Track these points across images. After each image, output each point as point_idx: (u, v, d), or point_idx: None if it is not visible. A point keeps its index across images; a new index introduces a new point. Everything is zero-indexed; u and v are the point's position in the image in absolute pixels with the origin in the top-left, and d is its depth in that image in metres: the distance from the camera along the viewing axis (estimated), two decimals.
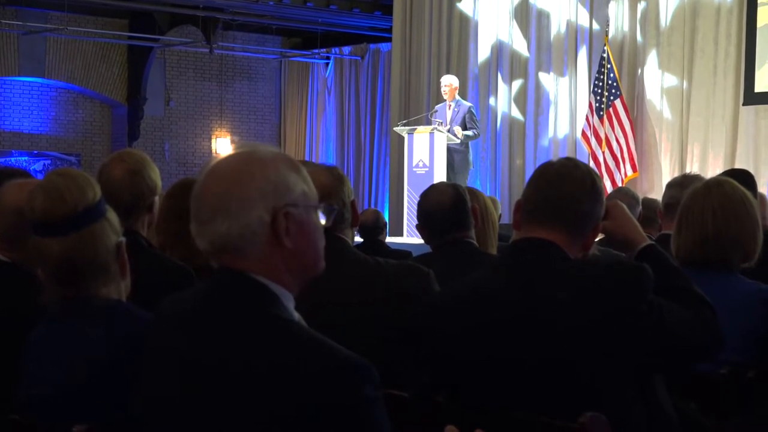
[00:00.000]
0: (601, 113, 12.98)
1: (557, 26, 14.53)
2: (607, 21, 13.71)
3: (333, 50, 19.96)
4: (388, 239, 10.46)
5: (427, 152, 12.87)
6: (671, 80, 13.30)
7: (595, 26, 14.10)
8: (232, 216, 2.08)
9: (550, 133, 14.56)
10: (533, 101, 14.79)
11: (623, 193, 6.38)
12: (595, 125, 13.04)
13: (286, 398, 1.95)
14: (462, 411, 2.76)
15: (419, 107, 15.36)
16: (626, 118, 12.93)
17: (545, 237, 2.82)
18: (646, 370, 2.76)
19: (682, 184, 4.95)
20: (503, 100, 15.10)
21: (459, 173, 12.87)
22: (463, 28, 15.49)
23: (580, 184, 2.86)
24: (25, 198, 2.74)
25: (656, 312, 2.72)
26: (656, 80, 13.41)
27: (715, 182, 3.63)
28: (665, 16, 13.35)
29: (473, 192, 4.66)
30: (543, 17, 14.69)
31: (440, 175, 12.52)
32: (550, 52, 14.60)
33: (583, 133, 13.30)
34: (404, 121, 14.14)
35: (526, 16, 14.86)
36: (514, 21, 14.95)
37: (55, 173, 2.76)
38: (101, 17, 18.35)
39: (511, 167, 15.02)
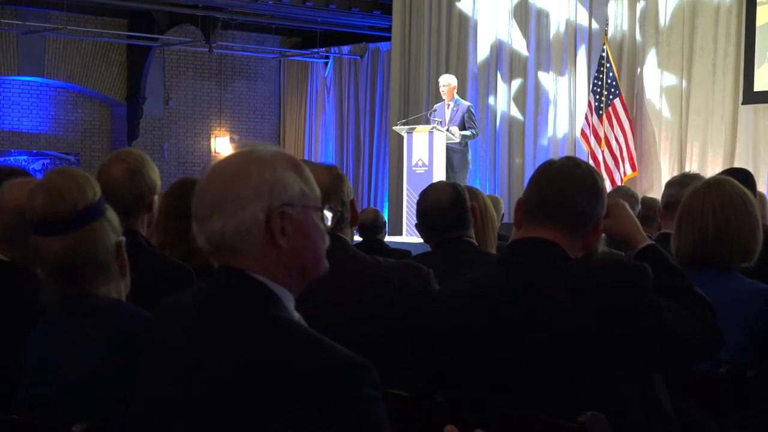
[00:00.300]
0: (601, 112, 12.98)
1: (556, 25, 14.53)
2: (607, 20, 13.71)
3: (332, 49, 19.95)
4: (388, 238, 10.46)
5: (426, 151, 12.87)
6: (670, 79, 13.30)
7: (595, 25, 14.10)
8: (227, 214, 2.09)
9: (550, 133, 14.56)
10: (533, 100, 14.79)
11: (623, 193, 6.38)
12: (595, 124, 13.04)
13: (285, 397, 1.95)
14: (461, 410, 2.77)
15: (418, 106, 15.36)
16: (625, 117, 12.93)
17: (545, 236, 2.82)
18: (645, 369, 2.77)
19: (681, 183, 4.95)
20: (503, 100, 15.10)
21: (458, 172, 12.87)
22: (463, 28, 15.49)
23: (581, 183, 2.86)
24: (25, 197, 2.74)
25: (656, 311, 2.72)
26: (655, 79, 13.41)
27: (715, 181, 3.63)
28: (664, 15, 13.35)
29: (472, 191, 4.66)
30: (542, 16, 14.69)
31: (439, 175, 12.52)
32: (549, 52, 14.60)
33: (583, 133, 13.30)
34: (403, 121, 14.15)
35: (525, 16, 14.86)
36: (514, 20, 14.95)
37: (55, 172, 2.76)
38: (100, 17, 18.35)
39: (510, 166, 15.02)
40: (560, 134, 14.46)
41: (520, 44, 14.96)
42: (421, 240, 4.56)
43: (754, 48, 12.36)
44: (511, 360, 2.73)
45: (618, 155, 12.91)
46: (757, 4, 12.36)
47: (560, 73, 14.48)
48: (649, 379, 2.79)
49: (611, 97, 12.93)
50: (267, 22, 18.70)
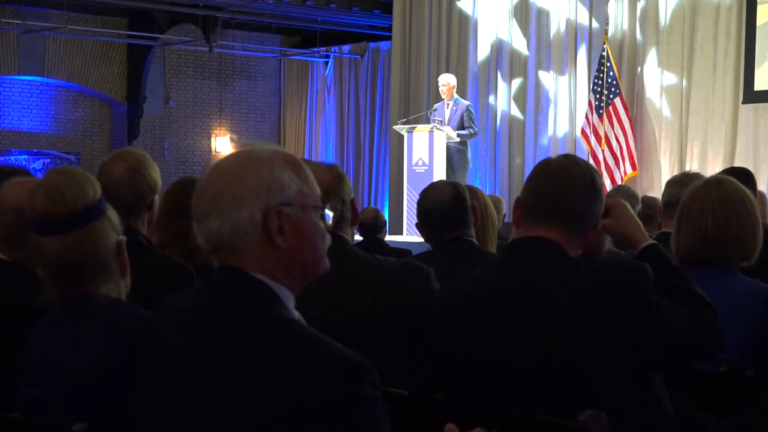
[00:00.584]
0: (601, 112, 12.98)
1: (557, 25, 14.52)
2: (607, 19, 13.71)
3: (332, 49, 19.95)
4: (388, 238, 10.46)
5: (426, 151, 12.88)
6: (671, 78, 13.30)
7: (595, 25, 14.10)
8: (224, 214, 2.09)
9: (550, 132, 14.57)
10: (533, 100, 14.79)
11: (623, 192, 6.38)
12: (595, 124, 13.04)
13: (285, 397, 1.95)
14: (461, 409, 2.77)
15: (419, 106, 15.36)
16: (626, 116, 12.93)
17: (545, 235, 2.82)
18: (645, 369, 2.76)
19: (682, 182, 4.95)
20: (503, 99, 15.10)
21: (457, 172, 12.88)
22: (463, 27, 15.49)
23: (579, 181, 2.86)
24: (25, 197, 2.74)
25: (655, 311, 2.72)
26: (656, 78, 13.41)
27: (715, 181, 3.63)
28: (665, 15, 13.35)
29: (473, 190, 4.66)
30: (542, 16, 14.68)
31: (440, 174, 12.53)
32: (549, 51, 14.61)
33: (583, 132, 13.30)
34: (404, 120, 14.15)
35: (525, 15, 14.86)
36: (514, 19, 14.95)
37: (55, 172, 2.76)
38: (101, 16, 18.35)
39: (510, 166, 15.03)
40: (560, 133, 14.46)
41: (520, 43, 14.96)
42: (421, 239, 4.56)
43: (755, 47, 12.36)
44: (511, 359, 2.73)
45: (618, 154, 12.91)
46: (758, 4, 12.35)
47: (560, 73, 14.48)
48: (649, 378, 2.80)
49: (611, 96, 12.93)
50: (267, 21, 18.70)
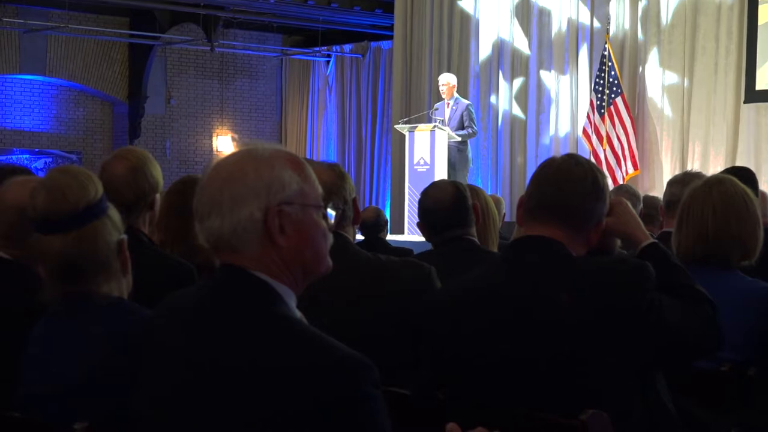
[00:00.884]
0: (602, 111, 12.98)
1: (558, 24, 14.52)
2: (608, 19, 13.71)
3: (334, 48, 19.95)
4: (389, 237, 10.46)
5: (428, 150, 12.88)
6: (672, 78, 13.30)
7: (596, 24, 14.10)
8: (224, 213, 2.09)
9: (551, 131, 14.57)
10: (534, 99, 14.79)
11: (624, 191, 6.38)
12: (596, 123, 13.04)
13: (286, 396, 1.95)
14: (463, 408, 2.77)
15: (420, 105, 15.36)
16: (627, 115, 12.93)
17: (547, 234, 2.82)
18: (647, 367, 2.77)
19: (683, 181, 4.95)
20: (504, 98, 15.10)
21: (458, 171, 12.88)
22: (464, 26, 15.49)
23: (582, 181, 2.86)
24: (27, 195, 2.74)
25: (656, 310, 2.72)
26: (657, 78, 13.41)
27: (716, 180, 3.63)
28: (666, 14, 13.34)
29: (474, 189, 4.66)
30: (544, 15, 14.68)
31: (441, 173, 12.53)
32: (551, 50, 14.61)
33: (584, 131, 13.30)
34: (405, 119, 14.15)
35: (527, 14, 14.86)
36: (515, 19, 14.95)
37: (56, 171, 2.77)
38: (102, 15, 18.36)
39: (512, 165, 15.03)
40: (562, 133, 14.46)
41: (521, 43, 14.96)
42: (422, 238, 4.56)
43: (756, 47, 12.36)
44: (513, 358, 2.73)
45: (620, 154, 12.91)
46: (759, 3, 12.36)
47: (562, 72, 14.48)
48: (651, 377, 2.80)
49: (613, 95, 12.93)
50: (269, 20, 18.71)
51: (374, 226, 9.03)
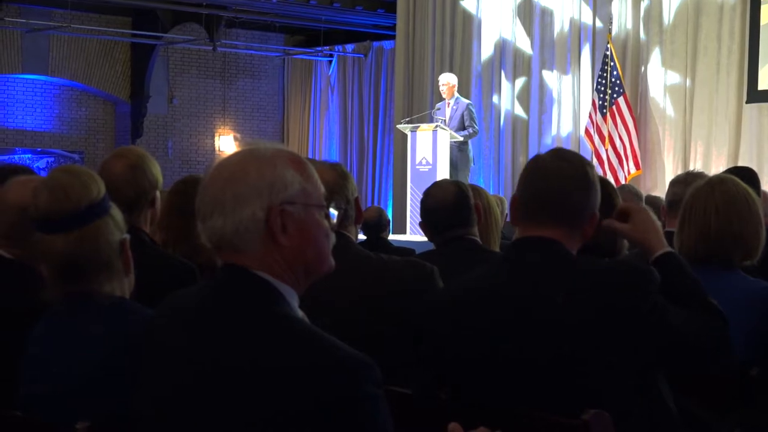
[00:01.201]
0: (605, 111, 12.98)
1: (560, 24, 14.52)
2: (611, 19, 13.70)
3: (336, 48, 19.96)
4: (391, 237, 10.45)
5: (430, 150, 12.88)
6: (674, 78, 13.29)
7: (599, 24, 14.10)
8: (226, 212, 2.10)
9: (554, 131, 14.57)
10: (536, 99, 14.79)
11: (626, 191, 6.37)
12: (599, 123, 13.04)
13: (287, 395, 1.96)
14: (465, 408, 2.77)
15: (422, 105, 15.36)
16: (629, 115, 12.93)
17: (546, 235, 2.82)
18: (647, 370, 2.76)
19: (685, 181, 4.94)
20: (506, 98, 15.10)
21: (460, 171, 12.88)
22: (467, 26, 15.49)
23: (572, 179, 2.84)
24: (29, 195, 2.74)
25: (660, 314, 2.71)
26: (659, 78, 13.40)
27: (718, 180, 3.63)
28: (668, 14, 13.34)
29: (476, 189, 4.66)
30: (546, 15, 14.68)
31: (443, 173, 12.53)
32: (553, 50, 14.61)
33: (587, 131, 13.30)
34: (407, 119, 14.15)
35: (529, 14, 14.86)
36: (518, 19, 14.95)
37: (59, 170, 2.77)
38: (104, 15, 18.36)
39: (514, 165, 15.02)
40: (564, 133, 14.46)
41: (524, 43, 14.96)
42: (424, 238, 4.56)
43: (758, 47, 12.36)
44: (515, 358, 2.73)
45: (622, 154, 12.91)
46: (761, 3, 12.35)
47: (564, 72, 14.48)
48: (653, 377, 2.79)
49: (615, 95, 12.93)
50: (271, 20, 18.72)
51: (376, 225, 9.02)
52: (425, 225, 4.42)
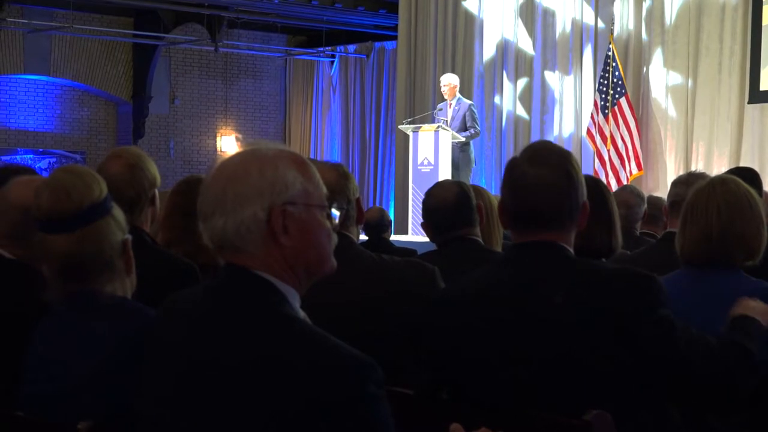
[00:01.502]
0: (606, 111, 12.98)
1: (562, 24, 14.53)
2: (612, 19, 13.70)
3: (338, 48, 19.96)
4: (393, 237, 10.45)
5: (432, 150, 12.88)
6: (676, 78, 13.29)
7: (600, 24, 14.10)
8: (228, 212, 2.10)
9: (555, 132, 14.56)
10: (538, 100, 14.79)
11: (628, 191, 6.38)
12: (600, 123, 13.04)
13: (289, 395, 1.96)
14: (466, 409, 2.76)
15: (424, 105, 15.36)
16: (631, 116, 12.93)
17: (545, 239, 2.81)
18: (649, 382, 2.72)
19: (687, 182, 4.93)
20: (508, 99, 15.10)
21: (461, 171, 12.88)
22: (469, 27, 15.49)
23: (554, 188, 2.80)
24: (31, 195, 2.74)
25: (667, 327, 2.68)
26: (661, 78, 13.40)
27: (720, 180, 3.62)
28: (670, 15, 13.34)
29: (478, 189, 4.66)
30: (548, 15, 14.69)
31: (445, 173, 12.53)
32: (555, 51, 14.61)
33: (588, 132, 13.30)
34: (409, 120, 14.15)
35: (531, 15, 14.86)
36: (520, 19, 14.95)
37: (61, 170, 2.77)
38: (106, 15, 18.37)
39: None
40: (566, 133, 14.46)
41: (526, 43, 14.96)
42: (426, 239, 4.56)
43: (760, 47, 12.36)
44: (516, 359, 2.73)
45: (624, 154, 12.90)
46: (763, 4, 12.36)
47: (566, 72, 14.48)
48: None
49: (617, 96, 12.93)
50: (273, 20, 18.71)
51: (378, 226, 9.02)
52: (427, 225, 4.42)
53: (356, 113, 19.58)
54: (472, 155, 13.28)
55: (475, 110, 13.35)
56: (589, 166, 13.52)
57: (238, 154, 2.17)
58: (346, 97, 19.88)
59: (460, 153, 12.96)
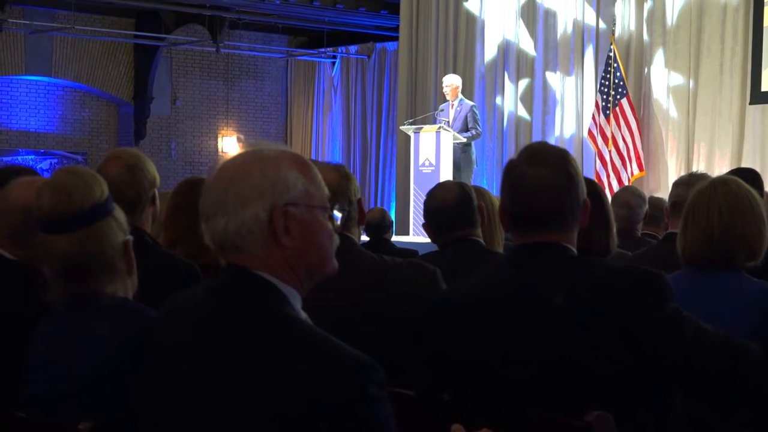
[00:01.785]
0: (608, 112, 12.98)
1: (564, 25, 14.53)
2: (614, 20, 13.70)
3: (339, 49, 19.96)
4: (395, 238, 10.45)
5: (433, 151, 12.88)
6: (678, 79, 13.29)
7: (602, 25, 14.10)
8: (229, 213, 2.10)
9: (557, 133, 14.56)
10: (540, 100, 14.79)
11: (630, 192, 6.38)
12: (602, 124, 13.03)
13: (290, 396, 1.96)
14: (468, 409, 2.76)
15: (426, 106, 15.36)
16: (633, 117, 12.93)
17: (547, 239, 2.81)
18: (660, 380, 2.72)
19: (688, 182, 4.93)
20: (510, 100, 15.10)
21: (463, 172, 12.88)
22: (470, 28, 15.49)
23: (554, 188, 2.80)
24: (31, 196, 2.75)
25: (676, 320, 2.67)
26: (663, 79, 13.40)
27: (721, 181, 3.62)
28: (671, 15, 13.34)
29: (480, 190, 4.65)
30: (549, 16, 14.69)
31: (446, 174, 12.53)
32: (556, 51, 14.61)
33: (590, 132, 13.30)
34: (411, 120, 14.15)
35: (532, 16, 14.86)
36: (521, 20, 14.96)
37: (62, 171, 2.77)
38: (108, 16, 18.38)
39: None
40: (567, 134, 14.46)
41: (527, 44, 14.96)
42: (428, 240, 4.55)
43: (762, 48, 12.36)
44: (518, 359, 2.73)
45: (625, 155, 12.90)
46: (764, 4, 12.36)
47: (567, 73, 14.48)
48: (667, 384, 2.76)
49: (618, 96, 12.93)
50: (274, 21, 18.71)
51: (379, 227, 9.02)
52: (428, 226, 4.42)
53: (357, 114, 19.58)
54: (474, 156, 13.28)
55: (477, 111, 13.36)
56: (590, 166, 13.53)
57: (239, 155, 2.17)
58: (347, 98, 19.88)
59: (462, 154, 12.96)
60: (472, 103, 13.50)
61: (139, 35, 18.42)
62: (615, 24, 13.66)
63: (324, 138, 20.21)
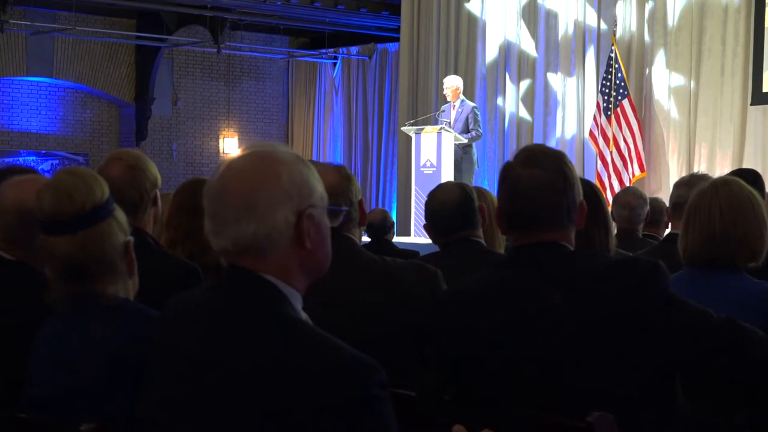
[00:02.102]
0: (609, 113, 12.97)
1: (565, 26, 14.52)
2: (615, 21, 13.70)
3: (340, 50, 19.97)
4: (396, 239, 10.47)
5: (434, 152, 12.88)
6: (679, 80, 13.29)
7: (603, 26, 14.10)
8: (259, 217, 2.07)
9: (558, 133, 14.56)
10: (541, 101, 14.79)
11: (631, 193, 6.38)
12: (603, 125, 13.03)
13: (292, 397, 1.96)
14: (469, 410, 2.76)
15: (427, 107, 15.36)
16: (634, 117, 12.93)
17: (547, 239, 2.81)
18: (668, 370, 2.72)
19: (689, 183, 4.94)
20: (511, 100, 15.10)
21: (464, 173, 12.89)
22: (471, 28, 15.49)
23: (550, 188, 2.80)
24: (27, 196, 2.75)
25: (678, 306, 2.69)
26: (664, 80, 13.40)
27: (722, 181, 3.62)
28: (672, 16, 13.34)
29: (481, 191, 4.66)
30: (551, 17, 14.68)
31: (448, 175, 12.53)
32: (557, 52, 14.60)
33: (591, 133, 13.30)
34: (412, 121, 14.15)
35: (533, 16, 14.86)
36: (522, 21, 14.95)
37: (63, 172, 2.77)
38: (109, 17, 18.38)
39: None
40: (569, 135, 14.46)
41: (528, 45, 14.96)
42: (429, 241, 4.56)
43: (763, 49, 12.36)
44: (519, 360, 2.73)
45: (626, 156, 12.90)
46: (766, 5, 12.35)
47: (569, 74, 14.48)
48: (667, 378, 2.76)
49: (620, 97, 12.93)
50: (275, 22, 18.72)
51: (381, 227, 9.04)
52: (429, 227, 4.42)
53: (359, 115, 19.59)
54: (475, 157, 13.28)
55: (478, 112, 13.36)
56: (591, 167, 13.53)
57: (253, 157, 2.13)
58: (348, 99, 19.89)
59: (463, 155, 12.96)
60: (473, 104, 13.50)
61: (141, 36, 18.43)
62: (616, 25, 13.66)
63: (325, 139, 20.21)
